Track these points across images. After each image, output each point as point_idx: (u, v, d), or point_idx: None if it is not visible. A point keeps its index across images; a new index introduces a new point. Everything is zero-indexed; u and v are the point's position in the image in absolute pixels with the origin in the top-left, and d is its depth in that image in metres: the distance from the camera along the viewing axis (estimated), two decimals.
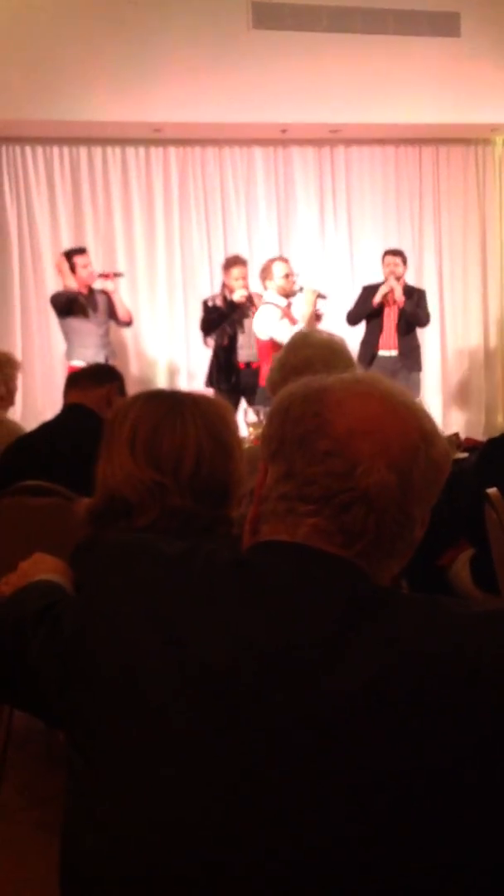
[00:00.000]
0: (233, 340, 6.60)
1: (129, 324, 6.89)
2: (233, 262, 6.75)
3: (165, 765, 0.91)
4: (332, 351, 2.43)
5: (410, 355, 7.05)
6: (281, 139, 7.87)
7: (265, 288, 6.39)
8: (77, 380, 3.43)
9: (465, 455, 3.99)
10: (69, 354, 6.57)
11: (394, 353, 6.98)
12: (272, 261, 6.50)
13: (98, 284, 6.68)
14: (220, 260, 7.70)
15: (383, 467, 0.97)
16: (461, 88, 7.53)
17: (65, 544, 1.61)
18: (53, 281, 7.42)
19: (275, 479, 1.02)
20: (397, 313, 6.99)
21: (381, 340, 6.97)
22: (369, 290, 7.06)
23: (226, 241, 7.89)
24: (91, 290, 6.60)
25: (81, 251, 6.72)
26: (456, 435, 4.39)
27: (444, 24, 7.52)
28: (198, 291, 7.54)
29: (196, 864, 0.88)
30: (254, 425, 4.17)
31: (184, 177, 7.81)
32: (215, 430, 1.59)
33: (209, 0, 6.97)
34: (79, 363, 6.26)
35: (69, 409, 3.34)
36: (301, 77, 7.15)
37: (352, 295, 8.09)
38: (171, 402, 1.62)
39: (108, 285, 6.69)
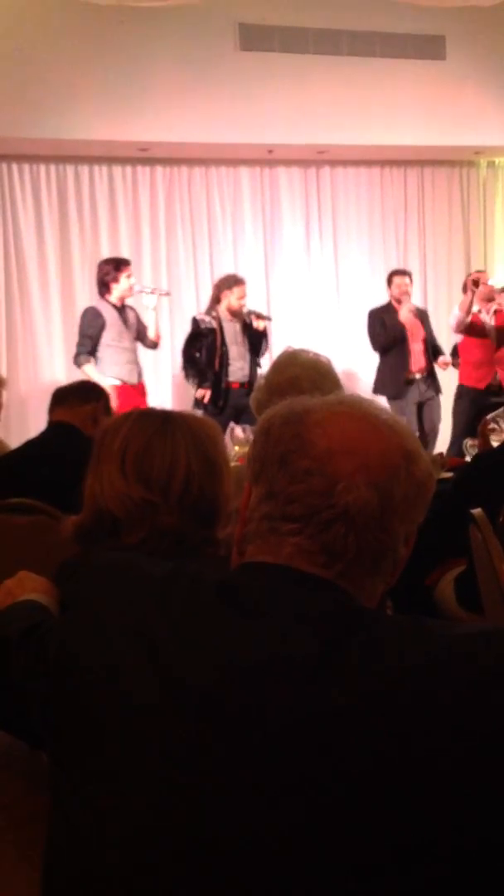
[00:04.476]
0: (223, 362, 6.55)
1: (156, 345, 6.61)
2: (234, 281, 6.66)
3: (151, 783, 0.91)
4: (318, 371, 2.44)
5: (434, 378, 7.15)
6: (267, 160, 7.92)
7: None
8: (63, 397, 3.42)
9: (449, 475, 4.00)
10: (100, 371, 6.32)
11: (422, 375, 7.05)
12: (479, 272, 7.11)
13: (146, 301, 6.46)
14: (206, 279, 7.72)
15: (363, 485, 0.98)
16: (446, 111, 7.61)
17: (49, 563, 1.60)
18: (39, 298, 7.42)
19: (258, 499, 1.03)
20: (422, 336, 7.06)
21: (413, 363, 7.00)
22: (384, 314, 7.05)
23: (212, 261, 7.92)
24: (123, 305, 6.34)
25: (127, 263, 6.46)
26: (440, 454, 4.41)
27: (429, 48, 7.60)
28: (184, 311, 7.56)
29: (183, 880, 0.88)
30: (239, 443, 4.16)
31: (170, 196, 7.84)
32: (205, 450, 1.59)
33: (197, 21, 7.03)
34: (112, 381, 6.13)
35: (54, 427, 3.33)
36: (288, 98, 7.20)
37: (337, 315, 8.15)
38: (162, 421, 1.62)
39: (150, 301, 6.47)
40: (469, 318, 6.91)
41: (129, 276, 6.30)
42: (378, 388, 7.04)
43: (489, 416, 3.73)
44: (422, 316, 7.18)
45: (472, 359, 7.00)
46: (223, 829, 0.88)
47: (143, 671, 0.94)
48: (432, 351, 7.11)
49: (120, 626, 0.99)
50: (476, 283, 6.84)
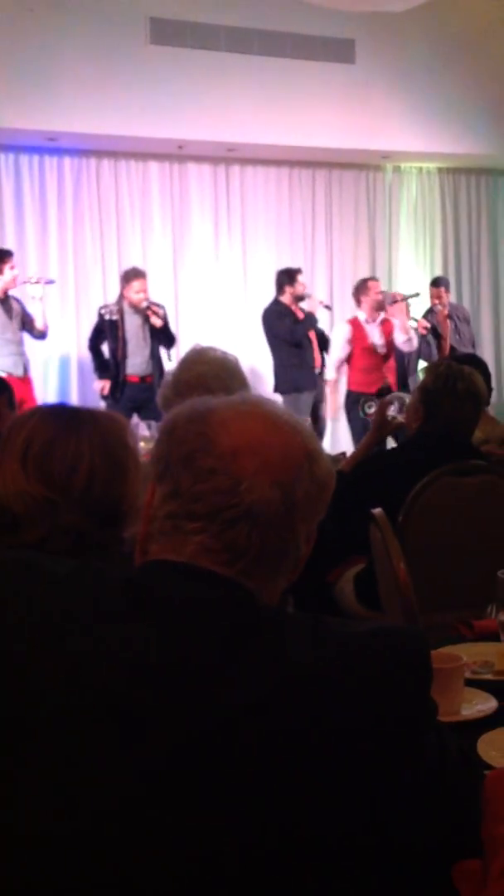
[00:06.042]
0: (123, 354, 6.58)
1: (44, 335, 6.62)
2: (132, 274, 6.70)
3: (60, 783, 0.90)
4: (225, 369, 2.45)
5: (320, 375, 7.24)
6: (177, 155, 7.90)
7: (359, 304, 7.03)
8: None
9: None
10: None
11: (319, 370, 7.19)
12: (371, 280, 7.21)
13: (31, 291, 6.47)
14: (114, 272, 7.66)
15: (266, 484, 1.00)
16: (355, 115, 7.70)
17: None
18: None
19: (162, 498, 1.04)
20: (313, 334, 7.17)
21: (316, 358, 7.12)
22: (283, 311, 7.10)
23: (120, 254, 7.85)
24: (6, 296, 6.33)
25: (10, 254, 6.44)
26: (343, 454, 4.47)
27: (339, 51, 7.69)
28: (90, 304, 7.48)
29: (85, 883, 0.87)
30: (145, 440, 4.13)
31: (78, 188, 7.74)
32: (111, 448, 1.58)
33: (108, 13, 6.96)
34: None
35: None
36: (198, 95, 7.19)
37: (244, 312, 8.18)
38: (69, 418, 1.60)
39: (36, 291, 6.50)
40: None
41: (11, 268, 6.30)
42: (281, 384, 7.08)
43: (392, 395, 3.81)
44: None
45: (361, 365, 7.13)
46: (130, 827, 0.87)
47: (50, 671, 0.93)
48: (322, 346, 7.25)
49: (23, 625, 0.97)
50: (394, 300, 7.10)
